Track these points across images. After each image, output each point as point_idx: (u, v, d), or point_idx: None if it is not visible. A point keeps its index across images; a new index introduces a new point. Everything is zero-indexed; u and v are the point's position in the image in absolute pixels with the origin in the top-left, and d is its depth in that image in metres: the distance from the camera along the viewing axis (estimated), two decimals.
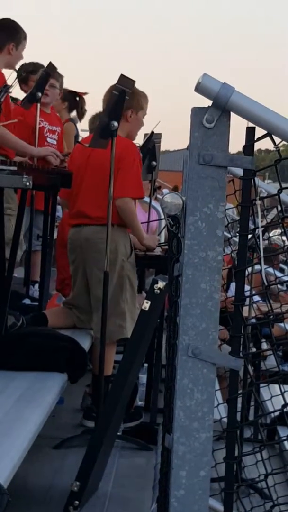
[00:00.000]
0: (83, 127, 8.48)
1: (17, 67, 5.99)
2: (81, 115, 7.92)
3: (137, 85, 4.92)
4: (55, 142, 6.82)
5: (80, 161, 5.17)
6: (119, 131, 4.65)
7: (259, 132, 1.86)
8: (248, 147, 1.86)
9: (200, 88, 1.82)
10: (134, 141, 5.53)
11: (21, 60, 5.90)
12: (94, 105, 5.57)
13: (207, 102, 1.84)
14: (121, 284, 4.97)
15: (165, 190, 12.15)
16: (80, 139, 7.81)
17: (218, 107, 1.82)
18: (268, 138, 1.86)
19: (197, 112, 1.84)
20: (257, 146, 1.86)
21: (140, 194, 5.13)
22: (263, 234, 5.67)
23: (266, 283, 2.06)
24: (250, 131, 1.86)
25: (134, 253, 5.12)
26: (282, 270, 10.34)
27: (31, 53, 8.57)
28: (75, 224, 5.14)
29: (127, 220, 4.99)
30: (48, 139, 6.74)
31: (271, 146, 1.86)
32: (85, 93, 7.87)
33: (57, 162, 5.98)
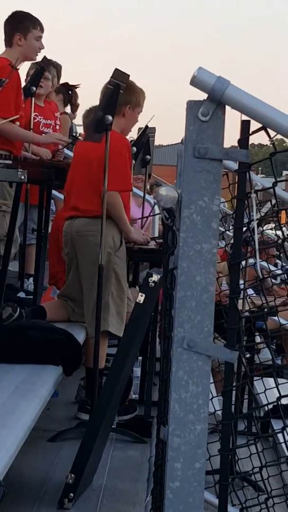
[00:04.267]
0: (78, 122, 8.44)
1: None
2: (74, 108, 7.91)
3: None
4: None
5: (75, 156, 5.24)
6: (114, 125, 4.65)
7: (254, 125, 1.87)
8: (243, 140, 1.87)
9: (195, 81, 1.82)
10: (128, 136, 5.54)
11: None
12: (92, 98, 5.56)
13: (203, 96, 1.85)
14: (106, 277, 4.94)
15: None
16: (74, 133, 7.82)
17: (213, 100, 1.82)
18: (261, 133, 1.86)
19: (192, 106, 1.85)
20: (250, 140, 1.87)
21: (126, 187, 5.11)
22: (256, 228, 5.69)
23: (260, 277, 2.07)
24: (245, 125, 1.86)
25: (124, 247, 5.11)
26: (276, 265, 10.35)
27: None
28: (68, 216, 5.17)
29: (113, 214, 4.96)
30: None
31: (264, 141, 1.87)
32: (77, 86, 7.82)
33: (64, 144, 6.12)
